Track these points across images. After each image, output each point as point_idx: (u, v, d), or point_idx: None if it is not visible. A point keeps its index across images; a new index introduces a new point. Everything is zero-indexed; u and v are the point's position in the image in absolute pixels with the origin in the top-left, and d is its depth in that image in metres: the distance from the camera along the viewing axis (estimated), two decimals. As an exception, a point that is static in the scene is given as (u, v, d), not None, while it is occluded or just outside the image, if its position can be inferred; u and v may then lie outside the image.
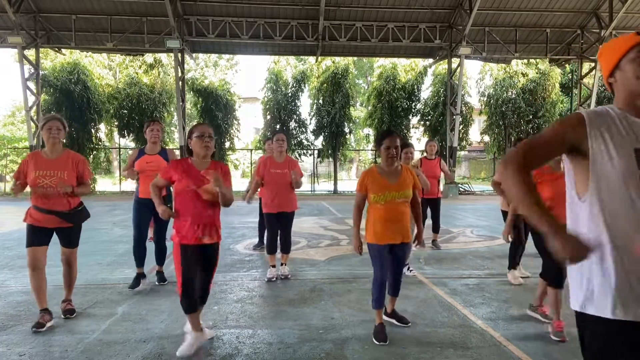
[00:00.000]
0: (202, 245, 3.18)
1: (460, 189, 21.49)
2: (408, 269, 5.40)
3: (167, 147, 5.11)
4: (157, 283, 5.01)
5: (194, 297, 3.19)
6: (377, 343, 3.37)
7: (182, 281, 3.15)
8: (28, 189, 3.73)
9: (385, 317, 3.72)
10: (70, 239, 3.90)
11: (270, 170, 5.20)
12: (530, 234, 4.21)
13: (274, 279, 5.20)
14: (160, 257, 5.04)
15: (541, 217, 1.34)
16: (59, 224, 3.73)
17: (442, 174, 7.32)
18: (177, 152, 16.41)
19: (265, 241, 5.63)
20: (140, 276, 4.86)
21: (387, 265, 3.51)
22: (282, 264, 5.40)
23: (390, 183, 3.44)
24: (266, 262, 6.14)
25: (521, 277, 5.21)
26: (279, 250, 5.36)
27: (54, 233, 3.79)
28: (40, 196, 3.65)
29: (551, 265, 3.53)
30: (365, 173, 3.56)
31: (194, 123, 3.68)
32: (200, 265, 3.22)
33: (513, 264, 5.21)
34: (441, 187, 6.97)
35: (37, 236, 3.68)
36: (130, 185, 23.51)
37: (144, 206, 4.72)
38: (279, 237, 5.31)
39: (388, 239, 3.48)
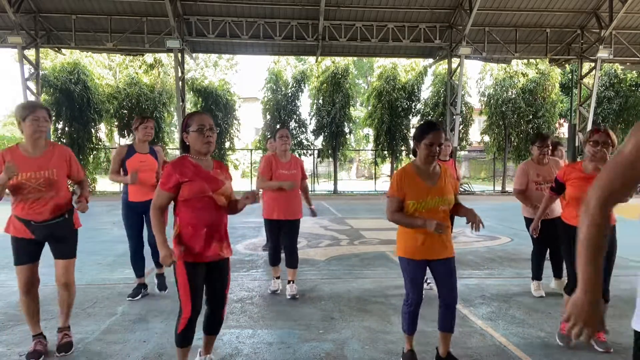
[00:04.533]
0: (217, 261, 2.68)
1: (460, 189, 21.49)
2: (426, 282, 4.69)
3: (154, 146, 4.64)
4: (157, 290, 4.70)
5: (194, 329, 2.69)
6: None
7: (190, 311, 2.61)
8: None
9: None
10: (64, 247, 3.20)
11: (278, 171, 4.57)
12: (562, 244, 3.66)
13: (278, 291, 4.76)
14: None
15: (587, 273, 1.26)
16: (49, 232, 3.10)
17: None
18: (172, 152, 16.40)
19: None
20: (140, 287, 4.59)
21: (420, 284, 2.96)
22: (289, 282, 4.67)
23: (431, 186, 2.86)
24: (267, 262, 6.11)
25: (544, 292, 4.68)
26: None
27: (45, 243, 3.19)
28: (23, 203, 3.01)
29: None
30: (402, 173, 2.92)
31: (189, 112, 3.09)
32: (212, 286, 2.73)
33: (537, 274, 4.76)
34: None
35: (25, 250, 3.07)
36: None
37: (133, 210, 4.41)
38: (283, 250, 4.81)
39: (425, 254, 2.87)
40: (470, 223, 2.80)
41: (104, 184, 23.07)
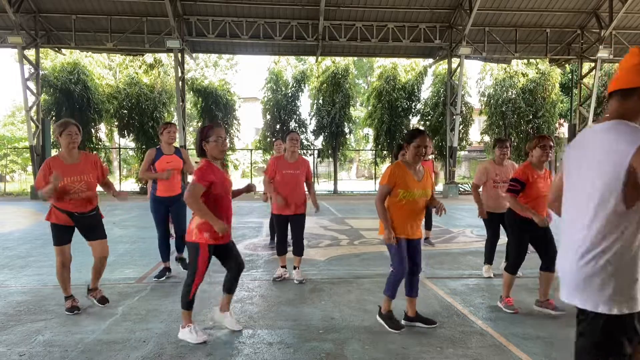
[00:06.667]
0: (230, 241, 3.52)
1: (460, 189, 21.48)
2: None
3: (178, 147, 5.36)
4: (182, 269, 5.39)
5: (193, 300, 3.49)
6: (397, 332, 3.54)
7: (201, 279, 3.42)
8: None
9: (405, 322, 3.75)
10: (98, 231, 4.14)
11: (282, 171, 5.05)
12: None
13: (280, 278, 5.15)
14: (182, 245, 5.19)
15: None
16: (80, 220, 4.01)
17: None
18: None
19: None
20: (165, 270, 5.29)
21: (405, 258, 3.57)
22: (295, 268, 5.22)
23: (418, 180, 3.55)
24: (267, 262, 6.16)
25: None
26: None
27: (75, 229, 4.08)
28: (68, 200, 3.87)
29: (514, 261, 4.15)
30: (395, 167, 3.56)
31: (207, 124, 3.61)
32: (233, 258, 3.57)
33: (489, 259, 5.47)
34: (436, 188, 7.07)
35: (62, 234, 3.99)
36: (129, 185, 23.50)
37: (160, 204, 5.15)
38: (290, 240, 5.28)
39: (406, 233, 3.58)
40: (435, 208, 3.57)
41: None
